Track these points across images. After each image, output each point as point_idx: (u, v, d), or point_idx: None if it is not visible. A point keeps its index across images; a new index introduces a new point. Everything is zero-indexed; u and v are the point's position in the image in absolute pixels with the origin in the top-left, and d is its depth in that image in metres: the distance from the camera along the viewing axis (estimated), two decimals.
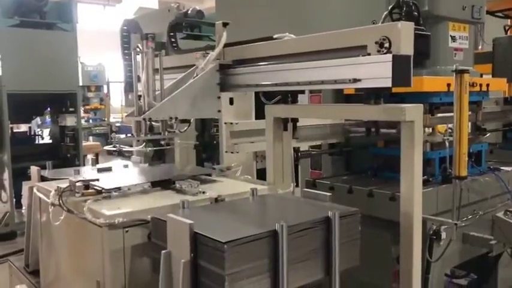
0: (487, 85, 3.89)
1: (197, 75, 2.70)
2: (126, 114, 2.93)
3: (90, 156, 9.14)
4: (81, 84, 13.41)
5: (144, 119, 2.54)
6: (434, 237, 3.37)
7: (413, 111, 2.05)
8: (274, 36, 2.46)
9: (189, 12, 7.43)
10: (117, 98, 17.91)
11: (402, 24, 1.93)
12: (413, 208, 2.20)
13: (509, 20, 6.09)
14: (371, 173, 3.96)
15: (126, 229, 1.95)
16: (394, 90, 3.54)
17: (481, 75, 4.20)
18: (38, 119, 11.38)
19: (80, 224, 2.09)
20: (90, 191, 2.20)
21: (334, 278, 1.79)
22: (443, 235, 3.45)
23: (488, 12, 5.50)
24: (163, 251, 1.70)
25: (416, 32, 1.98)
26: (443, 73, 3.58)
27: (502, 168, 4.09)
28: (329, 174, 4.15)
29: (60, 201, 2.15)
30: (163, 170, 2.87)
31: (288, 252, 1.66)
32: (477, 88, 3.75)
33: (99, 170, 2.78)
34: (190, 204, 2.02)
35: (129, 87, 3.20)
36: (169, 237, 1.70)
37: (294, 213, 1.84)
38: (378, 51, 1.94)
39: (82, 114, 14.00)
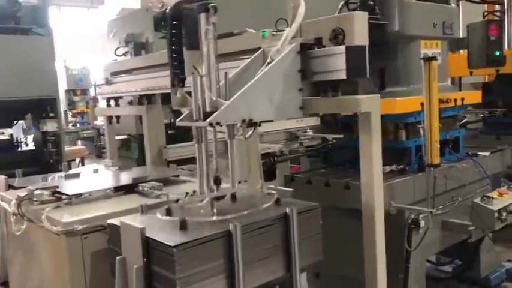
0: (462, 99, 3.86)
1: (272, 60, 2.04)
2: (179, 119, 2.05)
3: (78, 161, 9.07)
4: (66, 88, 13.33)
5: (211, 123, 1.88)
6: (413, 226, 3.36)
7: (369, 103, 2.02)
8: (234, 32, 2.40)
9: (168, 11, 7.35)
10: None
11: (355, 14, 1.91)
12: (373, 198, 2.17)
13: (486, 5, 6.08)
14: (348, 165, 3.94)
15: (85, 236, 1.92)
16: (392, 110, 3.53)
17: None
18: (24, 125, 11.30)
19: (40, 232, 2.06)
20: (50, 198, 2.16)
21: (295, 275, 1.77)
22: (422, 223, 3.44)
23: None
24: (117, 257, 1.67)
25: (371, 21, 1.95)
26: (417, 92, 3.53)
27: (480, 153, 4.09)
28: (308, 168, 4.13)
29: (19, 210, 2.11)
30: (130, 173, 2.82)
31: (245, 252, 1.63)
32: (452, 104, 3.72)
33: (67, 177, 2.74)
34: (154, 207, 1.99)
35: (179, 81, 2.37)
36: (123, 242, 1.67)
37: (252, 212, 1.81)
38: (332, 42, 1.91)
39: (70, 118, 13.92)
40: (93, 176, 2.87)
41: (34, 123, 7.51)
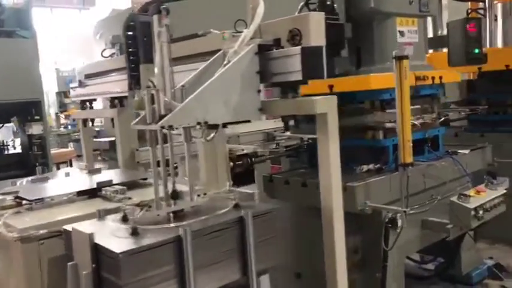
0: (440, 77, 3.85)
1: (229, 62, 2.02)
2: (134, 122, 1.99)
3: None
4: (57, 90, 13.28)
5: (162, 126, 1.85)
6: (390, 225, 3.35)
7: (325, 104, 2.00)
8: (199, 33, 2.38)
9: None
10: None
11: (311, 15, 1.89)
12: (331, 199, 2.15)
13: (469, 3, 6.05)
14: None
15: (42, 241, 1.90)
16: (344, 88, 3.54)
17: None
18: (14, 127, 11.25)
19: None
20: (11, 203, 2.14)
21: (252, 278, 1.75)
22: (400, 223, 3.43)
23: None
24: (69, 263, 1.65)
25: (328, 22, 1.93)
26: (392, 69, 3.54)
27: (459, 151, 4.08)
28: (288, 168, 4.11)
29: None
30: (98, 177, 2.79)
31: (198, 256, 1.62)
32: (429, 81, 3.71)
33: (34, 181, 2.72)
34: (114, 211, 1.96)
35: (135, 82, 2.47)
36: (74, 248, 1.66)
37: (208, 217, 1.79)
38: (290, 43, 1.89)
39: (62, 120, 13.85)
40: (62, 180, 2.85)
41: (20, 126, 7.49)
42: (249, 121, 2.14)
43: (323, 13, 1.94)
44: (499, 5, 5.33)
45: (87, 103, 3.91)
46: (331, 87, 3.40)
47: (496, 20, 5.37)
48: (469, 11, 6.00)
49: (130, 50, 1.99)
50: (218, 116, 1.93)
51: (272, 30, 2.01)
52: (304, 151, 3.88)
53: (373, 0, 3.44)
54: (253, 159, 3.51)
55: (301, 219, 3.66)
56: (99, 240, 1.58)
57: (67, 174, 2.99)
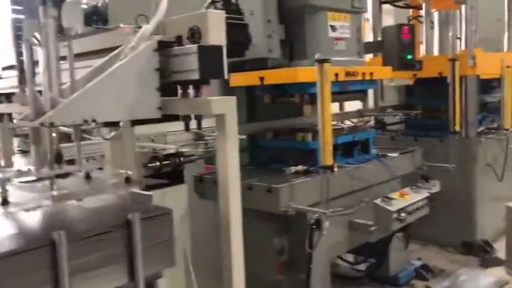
0: (371, 73, 3.93)
1: (125, 57, 1.96)
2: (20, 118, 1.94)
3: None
4: None
5: (42, 124, 1.73)
6: (315, 226, 3.37)
7: (222, 104, 1.98)
8: (110, 27, 2.29)
9: (99, 4, 7.12)
10: None
11: (210, 12, 1.85)
12: (228, 199, 2.12)
13: (410, 10, 6.23)
14: (258, 165, 3.93)
15: None
16: (273, 81, 3.56)
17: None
18: None
19: None
20: None
21: (139, 283, 1.70)
22: (326, 224, 3.46)
23: (387, 2, 5.60)
24: None
25: (230, 21, 1.90)
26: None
27: (389, 154, 4.17)
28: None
29: None
30: None
31: (78, 260, 1.54)
32: (359, 77, 3.77)
33: None
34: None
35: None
36: None
37: (92, 218, 1.72)
38: (190, 41, 1.85)
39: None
40: None
41: None
42: (155, 120, 2.07)
43: (223, 11, 1.91)
44: (436, 14, 5.51)
45: (3, 96, 3.69)
46: (262, 79, 3.41)
47: (432, 28, 5.54)
48: (410, 18, 6.19)
49: (18, 42, 1.90)
50: (109, 114, 1.86)
51: (174, 27, 1.97)
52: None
53: None
54: (181, 159, 3.44)
55: None
56: None
57: None
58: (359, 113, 4.35)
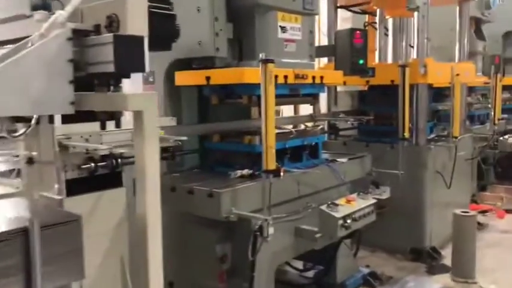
0: (321, 77, 3.86)
1: (32, 46, 1.76)
2: None
3: None
4: None
5: None
6: (258, 233, 3.25)
7: (140, 101, 1.83)
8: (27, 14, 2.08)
9: None
10: None
11: (129, 0, 1.70)
12: (146, 203, 1.97)
13: (367, 16, 6.25)
14: (205, 169, 3.79)
15: None
16: (219, 80, 3.44)
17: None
18: None
19: None
20: None
21: None
22: (271, 230, 3.35)
23: (343, 7, 5.59)
24: None
25: (154, 10, 1.75)
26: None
27: (338, 160, 4.12)
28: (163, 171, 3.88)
29: None
30: None
31: None
32: (309, 80, 3.70)
33: None
34: None
35: None
36: None
37: None
38: (108, 30, 1.69)
39: None
40: None
41: None
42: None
43: (145, 0, 1.76)
44: (390, 21, 5.54)
45: None
46: (208, 78, 3.28)
47: (387, 35, 5.57)
48: (366, 24, 6.21)
49: None
50: (9, 108, 1.67)
51: (92, 14, 1.80)
52: (179, 154, 3.69)
53: None
54: (119, 160, 3.24)
55: (172, 226, 3.46)
56: None
57: None
58: (311, 117, 4.30)
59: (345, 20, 6.61)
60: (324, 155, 4.32)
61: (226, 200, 3.00)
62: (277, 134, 3.62)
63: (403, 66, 4.27)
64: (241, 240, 3.27)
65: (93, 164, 3.05)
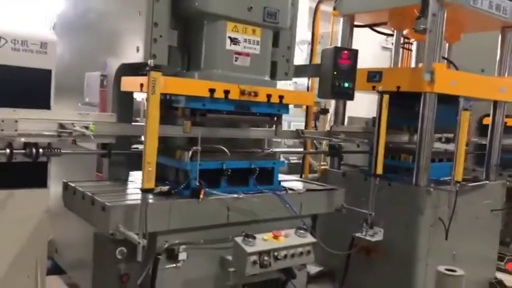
0: (280, 97, 3.45)
1: None
2: None
3: None
4: None
5: None
6: (160, 257, 2.98)
7: None
8: None
9: None
10: None
11: None
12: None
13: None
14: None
15: None
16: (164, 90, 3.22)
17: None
18: None
19: None
20: None
21: None
22: (183, 255, 3.07)
23: (359, 26, 5.09)
24: None
25: None
26: (218, 78, 3.23)
27: (296, 189, 3.67)
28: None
29: None
30: None
31: None
32: (263, 99, 3.33)
33: None
34: None
35: None
36: None
37: None
38: None
39: None
40: None
41: None
42: None
43: None
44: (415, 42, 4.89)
45: None
46: (142, 86, 3.12)
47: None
48: (402, 45, 5.55)
49: None
50: None
51: None
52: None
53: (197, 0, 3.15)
54: (40, 150, 3.10)
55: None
56: None
57: None
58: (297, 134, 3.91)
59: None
60: (290, 183, 3.89)
61: (115, 215, 2.77)
62: (214, 153, 3.33)
63: (381, 93, 3.65)
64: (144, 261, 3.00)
65: (8, 150, 3.01)
